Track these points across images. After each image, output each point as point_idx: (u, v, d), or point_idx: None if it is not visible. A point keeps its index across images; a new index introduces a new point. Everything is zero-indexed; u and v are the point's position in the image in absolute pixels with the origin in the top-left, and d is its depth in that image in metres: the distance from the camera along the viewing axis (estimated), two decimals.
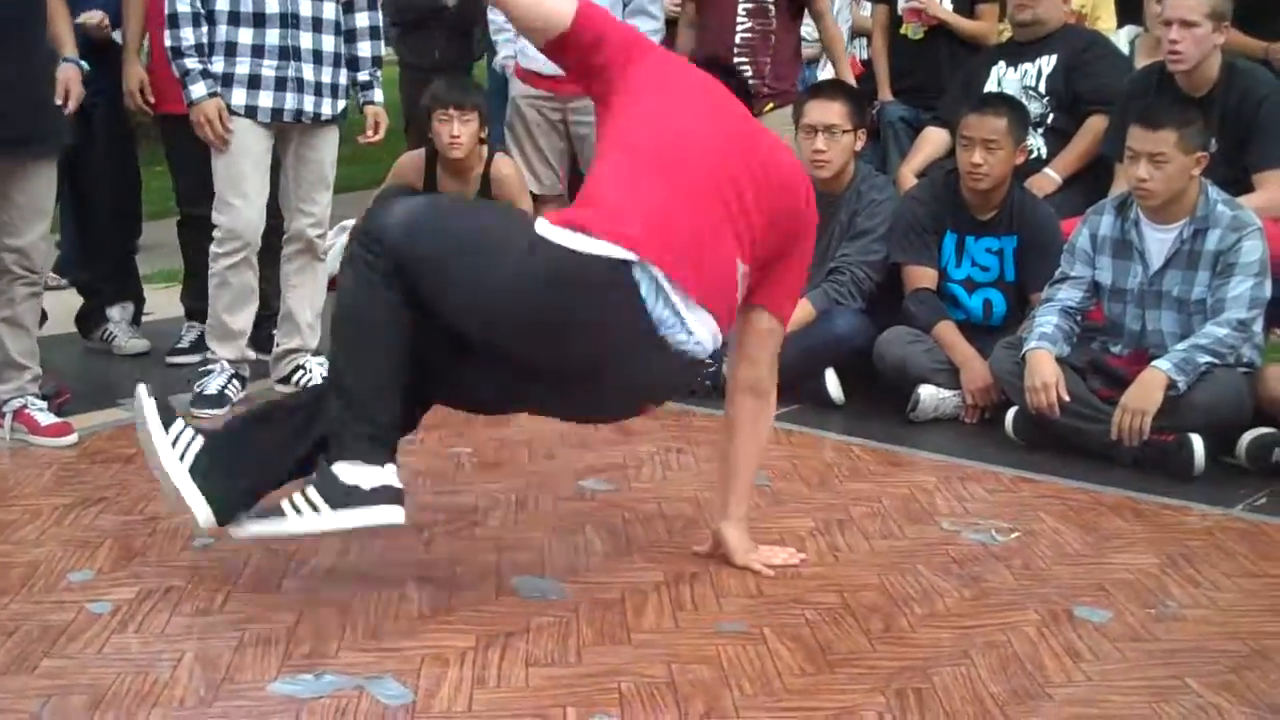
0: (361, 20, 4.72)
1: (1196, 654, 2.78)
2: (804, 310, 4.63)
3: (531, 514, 3.58)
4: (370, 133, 4.79)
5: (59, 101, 4.23)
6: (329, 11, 4.59)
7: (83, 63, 4.38)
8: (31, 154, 4.09)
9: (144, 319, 5.59)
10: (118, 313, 5.35)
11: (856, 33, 7.06)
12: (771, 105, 5.66)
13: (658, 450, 4.10)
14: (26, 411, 4.21)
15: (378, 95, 4.83)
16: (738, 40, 5.64)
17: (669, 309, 2.80)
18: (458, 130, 5.25)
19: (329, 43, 4.60)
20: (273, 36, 4.48)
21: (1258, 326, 4.10)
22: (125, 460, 3.99)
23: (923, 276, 4.69)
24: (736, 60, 5.62)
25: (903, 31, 5.95)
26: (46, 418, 4.21)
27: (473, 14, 6.88)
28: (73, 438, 4.18)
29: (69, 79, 4.28)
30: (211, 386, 4.57)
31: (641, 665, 2.71)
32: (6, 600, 3.01)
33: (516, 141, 5.80)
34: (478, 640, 2.81)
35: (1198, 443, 3.86)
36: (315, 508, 2.80)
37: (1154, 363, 3.97)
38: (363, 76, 4.77)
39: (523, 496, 3.69)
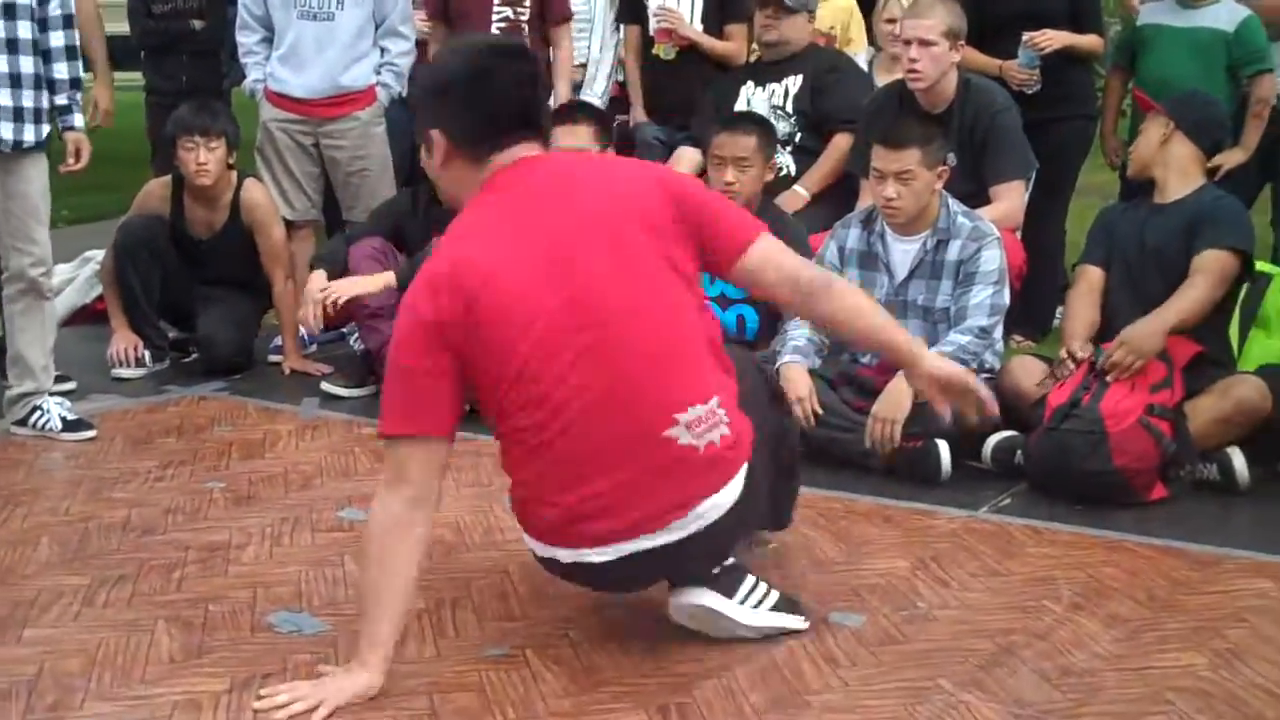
0: (57, 39, 4.41)
1: (947, 654, 2.86)
2: None
3: (288, 548, 3.49)
4: (71, 160, 4.52)
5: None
6: (24, 30, 4.32)
7: None
8: None
9: None
10: None
11: None
12: None
13: None
14: None
15: (78, 120, 4.55)
16: None
17: None
18: (204, 157, 5.13)
19: (27, 64, 4.33)
20: None
21: (998, 333, 4.27)
22: None
23: None
24: None
25: (655, 52, 6.01)
26: None
27: (220, 36, 6.72)
28: None
29: None
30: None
31: (403, 698, 2.67)
32: None
33: (268, 166, 5.68)
34: (232, 682, 2.73)
35: (944, 448, 3.98)
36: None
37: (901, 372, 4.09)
38: (60, 100, 4.46)
39: (278, 530, 3.60)
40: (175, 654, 2.87)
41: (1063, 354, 4.13)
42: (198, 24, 6.68)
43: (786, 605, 2.95)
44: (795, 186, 5.28)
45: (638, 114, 6.08)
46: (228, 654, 2.87)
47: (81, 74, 4.55)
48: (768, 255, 2.89)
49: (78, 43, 4.52)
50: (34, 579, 3.26)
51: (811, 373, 4.19)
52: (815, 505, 3.77)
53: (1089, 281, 4.28)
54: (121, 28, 7.74)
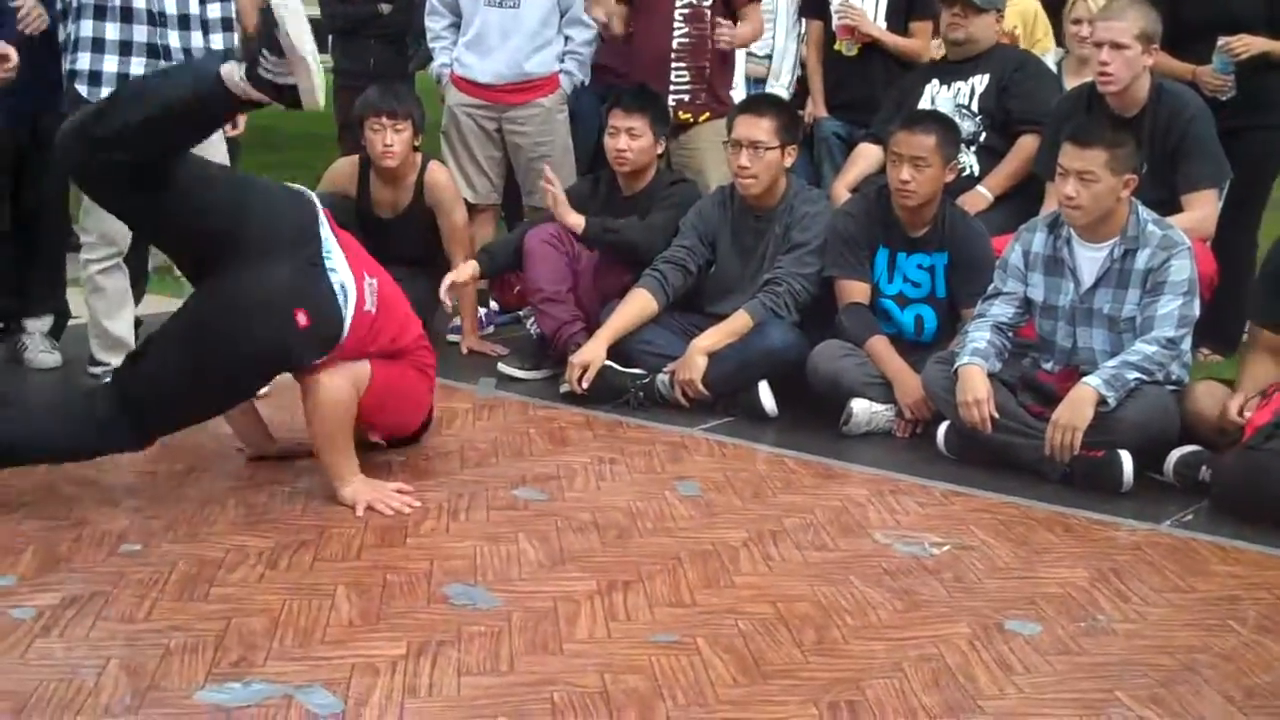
0: (214, 11, 4.63)
1: (1126, 668, 2.80)
2: (739, 321, 4.65)
3: (463, 523, 3.55)
4: (229, 128, 4.69)
5: None
6: (193, 7, 4.54)
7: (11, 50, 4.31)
8: None
9: (72, 323, 5.39)
10: (34, 324, 5.18)
11: None
12: (707, 115, 5.68)
13: (591, 460, 4.08)
14: None
15: None
16: (674, 45, 5.64)
17: None
18: (390, 139, 5.22)
19: (197, 39, 4.54)
20: (140, 33, 4.41)
21: (1186, 345, 4.15)
22: (47, 468, 3.91)
23: (855, 291, 4.71)
24: (674, 65, 5.64)
25: (836, 48, 5.98)
26: None
27: (406, 21, 6.85)
28: None
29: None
30: None
31: (574, 675, 2.70)
32: None
33: (451, 149, 5.79)
34: (408, 649, 2.79)
35: (1127, 459, 3.90)
36: None
37: (1084, 379, 4.01)
38: None
39: (455, 505, 3.66)
40: (354, 619, 2.93)
41: (1232, 413, 4.01)
42: (385, 8, 6.83)
43: None
44: (978, 187, 5.20)
45: (817, 109, 6.05)
46: (405, 621, 2.92)
47: (236, 45, 4.70)
48: None
49: (232, 14, 4.70)
50: (221, 539, 3.36)
51: (991, 376, 4.13)
52: (992, 510, 3.73)
53: (1266, 343, 4.15)
54: (311, 11, 7.92)
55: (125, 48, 4.38)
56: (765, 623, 2.96)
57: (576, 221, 4.96)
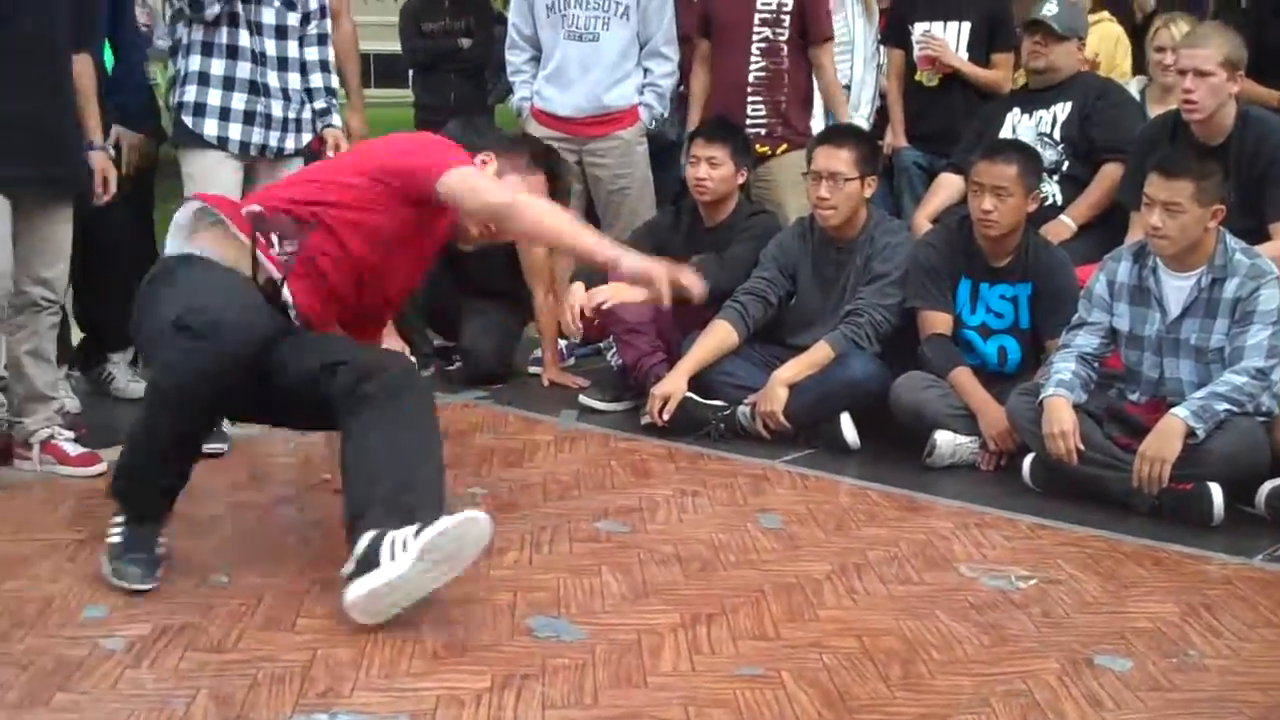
0: (312, 54, 4.75)
1: (1219, 704, 2.75)
2: (821, 353, 4.64)
3: (547, 555, 3.56)
4: (331, 153, 4.78)
5: (99, 190, 4.33)
6: (293, 50, 4.66)
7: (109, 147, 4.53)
8: (56, 194, 4.15)
9: None
10: (118, 356, 5.28)
11: None
12: (785, 147, 5.68)
13: (673, 493, 4.08)
14: (54, 442, 4.24)
15: (336, 119, 4.86)
16: (750, 79, 5.67)
17: None
18: None
19: (294, 80, 4.67)
20: (243, 70, 4.53)
21: (1276, 375, 4.08)
22: None
23: (938, 321, 4.68)
24: (750, 99, 5.65)
25: (917, 78, 5.97)
26: (74, 448, 4.23)
27: (486, 55, 6.92)
28: (101, 466, 4.18)
29: (104, 166, 4.36)
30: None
31: (658, 708, 2.69)
32: (22, 634, 2.99)
33: None
34: (493, 681, 2.80)
35: (1217, 492, 3.84)
36: None
37: (1172, 410, 3.96)
38: (319, 104, 4.78)
39: (538, 537, 3.67)
40: (439, 650, 2.95)
41: None
42: (465, 42, 6.90)
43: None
44: (1061, 216, 5.16)
45: (897, 139, 6.04)
46: (489, 654, 2.93)
47: (335, 84, 4.85)
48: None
49: (331, 58, 4.81)
50: (307, 571, 3.39)
51: (1076, 408, 4.09)
52: (1080, 544, 3.68)
53: None
54: (392, 46, 8.03)
55: (228, 83, 4.50)
56: (850, 657, 2.94)
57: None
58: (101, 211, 4.51)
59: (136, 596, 3.19)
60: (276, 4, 4.58)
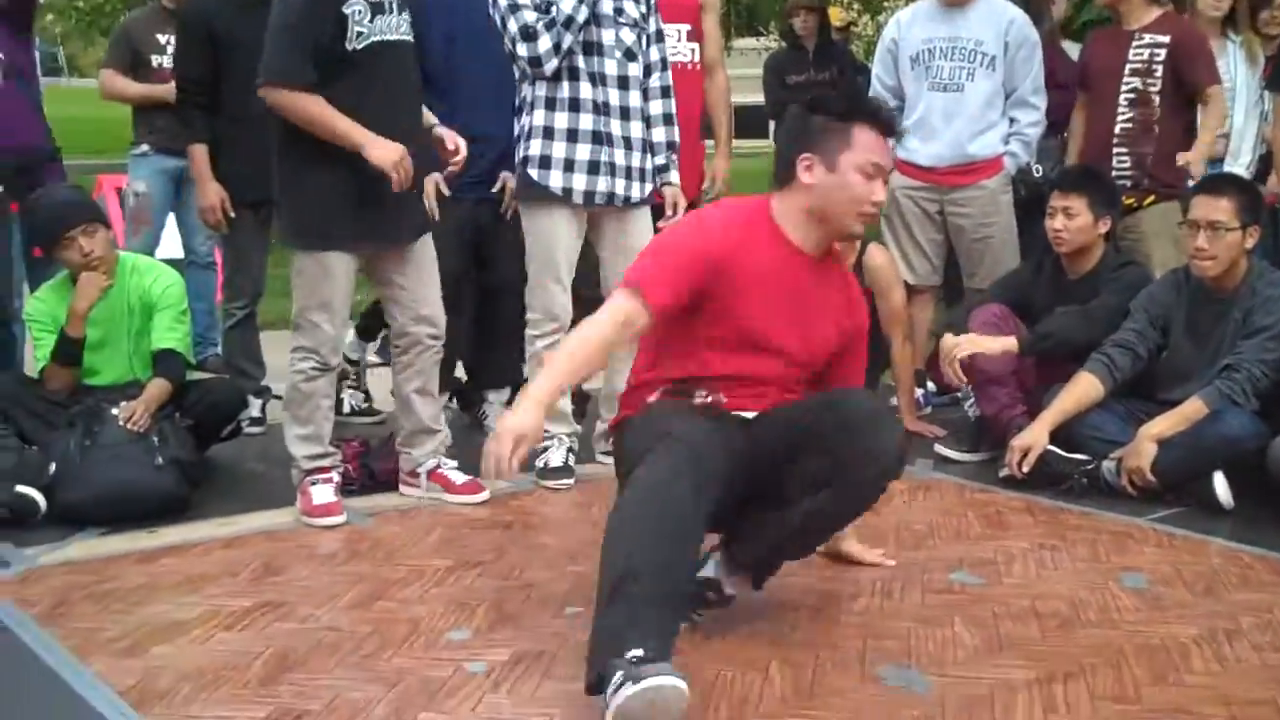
0: (656, 108, 4.81)
1: None
2: (1193, 408, 4.44)
3: (897, 603, 3.52)
4: (670, 212, 4.83)
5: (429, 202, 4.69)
6: (635, 100, 4.72)
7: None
8: (420, 234, 4.45)
9: None
10: (495, 395, 5.53)
11: None
12: (1152, 199, 5.49)
13: (1030, 547, 3.97)
14: (440, 471, 4.53)
15: (674, 176, 4.87)
16: (1117, 130, 5.53)
17: None
18: None
19: (636, 129, 4.74)
20: (586, 121, 4.63)
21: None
22: (504, 527, 4.18)
23: None
24: (1115, 150, 5.50)
25: None
26: (459, 477, 4.52)
27: None
28: (485, 495, 4.44)
29: (436, 180, 4.73)
30: (555, 459, 4.75)
31: None
32: (390, 654, 3.17)
33: (893, 232, 5.81)
34: None
35: None
36: None
37: None
38: (659, 160, 4.83)
39: (890, 585, 3.64)
40: (787, 694, 2.95)
41: None
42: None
43: None
44: None
45: (1277, 185, 5.74)
46: (836, 700, 2.92)
47: (676, 139, 4.89)
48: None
49: (674, 110, 4.87)
50: None
51: None
52: None
53: None
54: (748, 98, 8.16)
55: (572, 135, 4.62)
56: None
57: (1009, 344, 4.86)
58: (489, 259, 4.73)
59: (497, 624, 3.34)
60: (618, 55, 4.66)
